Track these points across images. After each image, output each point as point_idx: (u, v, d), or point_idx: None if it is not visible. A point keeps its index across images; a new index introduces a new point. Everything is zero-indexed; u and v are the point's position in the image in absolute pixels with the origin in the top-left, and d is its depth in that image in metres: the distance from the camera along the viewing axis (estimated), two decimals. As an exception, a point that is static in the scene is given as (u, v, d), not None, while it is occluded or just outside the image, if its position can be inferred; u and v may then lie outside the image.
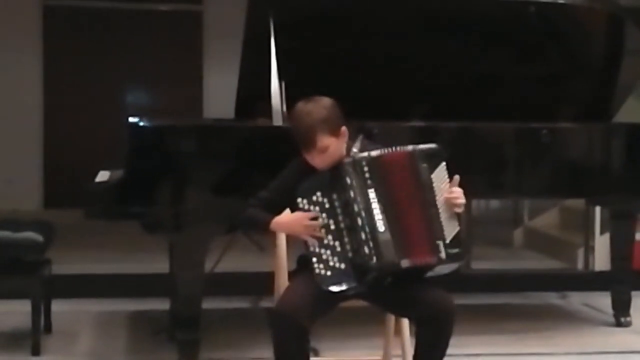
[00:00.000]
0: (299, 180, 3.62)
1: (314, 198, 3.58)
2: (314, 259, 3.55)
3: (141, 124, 5.00)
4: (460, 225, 3.60)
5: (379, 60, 5.38)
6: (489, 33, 5.52)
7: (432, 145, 3.62)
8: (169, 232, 4.78)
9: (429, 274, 3.61)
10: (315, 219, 3.56)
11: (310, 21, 5.20)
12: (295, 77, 4.88)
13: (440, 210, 3.56)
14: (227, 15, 8.47)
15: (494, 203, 9.21)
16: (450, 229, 3.57)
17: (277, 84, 4.82)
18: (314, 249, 3.56)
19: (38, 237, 4.96)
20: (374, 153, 3.60)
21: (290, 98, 4.85)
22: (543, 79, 5.72)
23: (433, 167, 3.58)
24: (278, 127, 4.77)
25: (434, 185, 3.56)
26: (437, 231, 3.55)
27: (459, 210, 3.59)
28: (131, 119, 5.10)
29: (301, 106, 3.63)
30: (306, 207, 3.57)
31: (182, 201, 4.66)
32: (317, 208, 3.57)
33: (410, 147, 3.61)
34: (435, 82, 5.52)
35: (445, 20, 5.40)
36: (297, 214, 3.59)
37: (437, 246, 3.54)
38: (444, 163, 3.60)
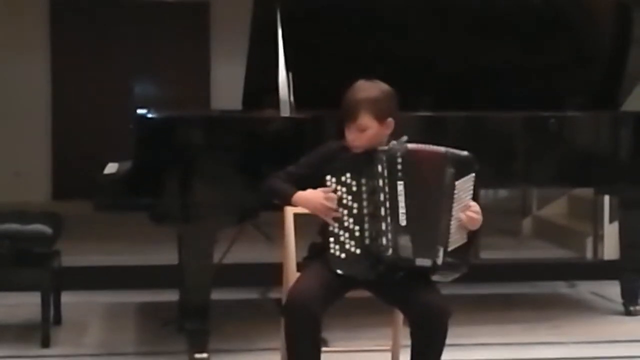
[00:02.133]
0: (330, 160, 3.62)
1: (343, 178, 3.56)
2: (331, 239, 3.54)
3: (149, 115, 5.00)
4: (470, 240, 3.59)
5: (386, 50, 5.38)
6: (496, 22, 5.52)
7: (466, 153, 3.60)
8: (178, 223, 4.78)
9: (434, 278, 3.60)
10: (338, 199, 3.55)
11: (317, 12, 5.20)
12: (303, 68, 4.88)
13: (452, 218, 3.53)
14: (234, 7, 8.47)
15: (503, 192, 9.21)
16: (456, 239, 3.54)
17: (285, 75, 4.82)
18: (334, 229, 3.54)
19: (47, 230, 4.97)
20: (411, 146, 3.58)
21: (298, 89, 4.87)
22: (550, 67, 5.71)
23: (460, 175, 3.55)
24: (285, 118, 4.77)
25: (455, 192, 3.54)
26: (441, 236, 3.52)
27: (473, 227, 3.58)
28: (139, 111, 5.11)
29: (361, 82, 3.65)
30: (333, 186, 3.56)
31: (190, 192, 4.66)
32: (344, 189, 3.55)
33: (443, 149, 3.59)
34: (443, 72, 5.51)
35: (453, 10, 5.40)
36: (320, 190, 3.57)
37: (437, 251, 3.52)
38: (473, 174, 3.57)
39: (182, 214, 4.67)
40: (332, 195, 3.55)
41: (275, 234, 4.66)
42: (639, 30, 5.82)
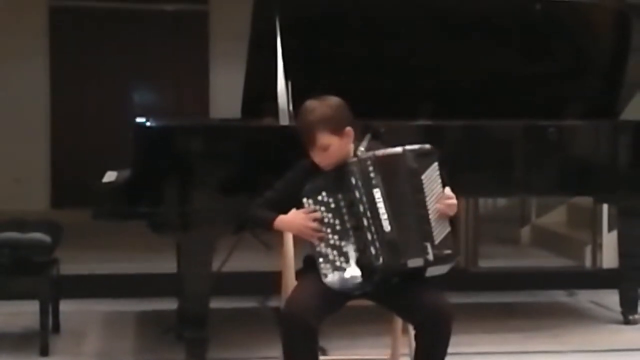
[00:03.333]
0: (304, 180, 3.63)
1: (319, 198, 3.58)
2: (320, 259, 3.56)
3: (148, 124, 5.00)
4: (452, 226, 3.59)
5: (385, 59, 5.38)
6: (496, 31, 5.53)
7: (424, 146, 3.61)
8: (176, 232, 4.78)
9: (429, 273, 3.60)
10: (318, 218, 3.56)
11: (316, 21, 5.20)
12: (302, 76, 4.88)
13: (429, 212, 3.55)
14: (233, 15, 8.46)
15: (501, 201, 9.19)
16: (440, 230, 3.56)
17: (284, 83, 4.82)
18: (320, 249, 3.56)
19: (46, 238, 4.97)
20: (379, 152, 3.60)
21: (297, 98, 4.87)
22: (550, 76, 5.71)
23: (424, 168, 3.57)
24: (284, 127, 4.77)
25: (424, 186, 3.56)
26: (425, 232, 3.54)
27: (451, 213, 3.59)
28: (138, 120, 5.11)
29: (307, 104, 3.67)
30: (311, 207, 3.58)
31: (189, 201, 4.66)
32: (323, 208, 3.57)
33: (400, 148, 3.61)
34: (442, 80, 5.51)
35: (452, 19, 5.41)
36: (300, 212, 3.60)
37: (425, 247, 3.53)
38: (436, 163, 3.59)
39: (181, 222, 4.67)
40: (315, 214, 3.56)
41: (274, 243, 4.65)
42: (637, 39, 5.82)
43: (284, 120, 4.78)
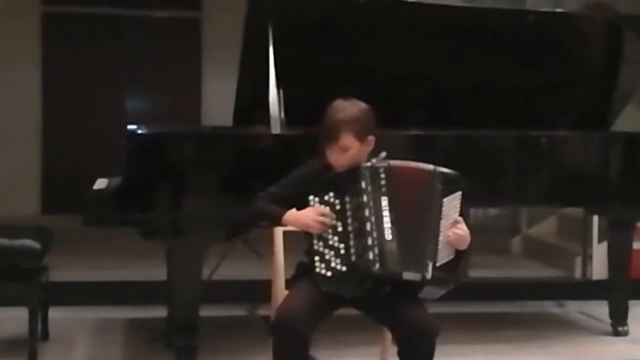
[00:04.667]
0: (313, 179, 3.65)
1: (326, 198, 3.59)
2: (317, 258, 3.56)
3: (139, 131, 4.99)
4: (457, 256, 3.60)
5: (378, 67, 5.39)
6: (488, 42, 5.54)
7: (453, 172, 3.64)
8: (167, 239, 4.77)
9: (421, 295, 3.60)
10: (329, 216, 3.57)
11: (309, 28, 5.20)
12: (294, 84, 4.89)
13: (440, 234, 3.56)
14: (225, 22, 8.46)
15: (492, 211, 9.21)
16: (444, 255, 3.57)
17: (276, 91, 4.83)
18: (318, 248, 3.56)
19: (35, 244, 4.94)
20: (394, 163, 3.62)
21: (288, 105, 4.87)
22: (542, 87, 5.73)
23: (448, 192, 3.59)
24: (276, 135, 4.77)
25: (443, 208, 3.57)
26: (429, 251, 3.55)
27: (459, 247, 3.59)
28: (129, 127, 5.10)
29: (339, 102, 3.69)
30: (317, 206, 3.58)
31: (180, 208, 4.66)
32: (328, 208, 3.58)
33: (431, 166, 3.64)
34: (434, 90, 5.52)
35: (444, 29, 5.41)
36: (311, 209, 3.59)
37: (426, 265, 3.53)
38: (459, 192, 3.62)
39: (172, 230, 4.67)
40: (326, 210, 3.56)
41: (264, 251, 4.65)
42: (629, 50, 5.84)
43: (276, 128, 4.78)
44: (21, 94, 10.28)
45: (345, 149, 3.61)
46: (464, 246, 3.60)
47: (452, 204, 3.60)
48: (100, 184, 5.07)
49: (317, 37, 5.24)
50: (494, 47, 5.56)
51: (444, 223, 3.57)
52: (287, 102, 4.86)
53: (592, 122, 5.86)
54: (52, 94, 10.46)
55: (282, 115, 4.81)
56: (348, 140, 3.61)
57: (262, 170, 4.43)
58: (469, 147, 5.25)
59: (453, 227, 3.58)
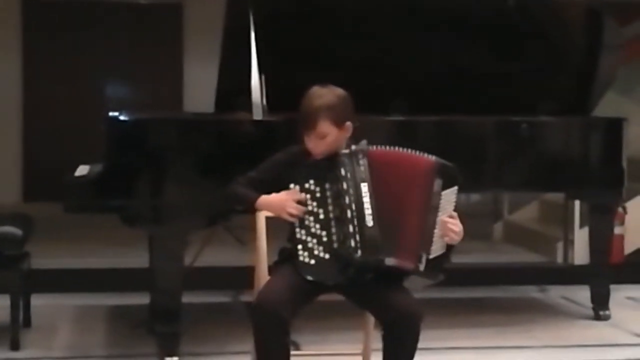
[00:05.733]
0: (290, 166, 3.63)
1: (307, 185, 3.58)
2: (299, 246, 3.55)
3: (121, 117, 4.98)
4: (447, 251, 3.60)
5: (359, 54, 5.38)
6: (468, 28, 5.55)
7: (452, 165, 3.62)
8: (148, 225, 4.77)
9: (405, 283, 3.61)
10: (303, 202, 3.55)
11: (290, 15, 5.20)
12: (275, 70, 4.88)
13: (436, 227, 3.56)
14: (207, 9, 8.46)
15: (474, 196, 9.23)
16: (437, 248, 3.57)
17: (257, 77, 4.82)
18: (301, 236, 3.55)
19: (17, 231, 4.93)
20: (375, 149, 3.59)
21: (270, 92, 4.87)
22: (522, 73, 5.73)
23: (447, 186, 3.58)
24: (258, 121, 4.76)
25: (441, 202, 3.57)
26: (425, 243, 3.54)
27: (451, 241, 3.60)
28: (111, 113, 5.09)
29: (314, 89, 3.65)
30: (292, 190, 3.58)
31: (161, 194, 4.65)
32: (309, 195, 3.57)
33: (433, 157, 3.61)
34: (415, 76, 5.51)
35: (425, 15, 5.42)
36: (285, 193, 3.58)
37: (420, 256, 3.53)
38: (456, 187, 3.61)
39: (153, 216, 4.67)
40: (300, 196, 3.55)
41: (247, 237, 4.65)
42: (609, 37, 5.85)
43: (258, 114, 4.78)
44: (1, 81, 10.23)
45: (323, 136, 3.59)
46: (455, 241, 3.60)
47: (448, 198, 3.59)
48: (82, 170, 5.05)
49: (298, 23, 5.24)
50: (474, 32, 5.56)
51: (439, 216, 3.57)
52: (269, 88, 4.85)
53: (573, 108, 5.87)
54: (32, 81, 10.41)
55: (264, 101, 4.80)
56: (326, 127, 3.58)
57: (244, 157, 4.42)
58: (449, 133, 5.26)
59: (448, 221, 3.58)
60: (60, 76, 10.47)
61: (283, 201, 3.57)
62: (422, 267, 3.53)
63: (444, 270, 3.61)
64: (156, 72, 10.61)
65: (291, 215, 3.55)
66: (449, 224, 3.57)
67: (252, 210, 3.77)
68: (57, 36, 10.43)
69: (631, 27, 8.99)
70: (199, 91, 7.41)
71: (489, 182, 5.43)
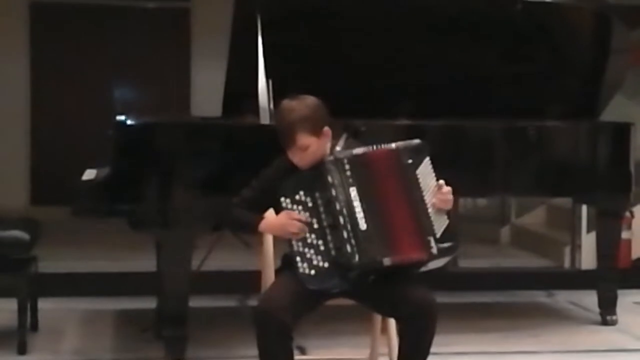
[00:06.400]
0: (282, 178, 3.63)
1: (297, 197, 3.58)
2: (298, 258, 3.55)
3: (128, 121, 4.99)
4: (449, 218, 3.60)
5: (367, 58, 5.38)
6: (476, 31, 5.54)
7: (416, 141, 3.60)
8: (156, 229, 4.77)
9: (422, 269, 3.61)
10: (303, 220, 3.56)
11: (298, 18, 5.20)
12: (283, 74, 4.88)
13: (428, 206, 3.54)
14: (214, 12, 8.45)
15: (481, 201, 9.22)
16: (440, 224, 3.56)
17: (265, 81, 4.82)
18: (298, 248, 3.56)
19: (24, 235, 4.94)
20: (356, 151, 3.59)
21: (278, 95, 4.86)
22: (530, 76, 5.72)
23: (418, 163, 3.56)
24: (265, 125, 4.76)
25: (420, 181, 3.55)
26: (427, 227, 3.53)
27: (448, 207, 3.58)
28: (118, 117, 5.09)
29: (285, 103, 3.65)
30: (289, 206, 3.58)
31: (169, 199, 4.65)
32: (300, 207, 3.57)
33: (393, 145, 3.60)
34: (422, 80, 5.51)
35: (433, 19, 5.41)
36: (284, 215, 3.59)
37: (428, 242, 3.52)
38: (428, 158, 3.58)
39: (160, 220, 4.66)
40: (299, 216, 3.56)
41: (253, 242, 4.65)
42: (618, 41, 5.84)
43: (265, 118, 4.78)
44: (9, 85, 10.24)
45: (304, 148, 3.59)
46: (450, 205, 3.58)
47: (425, 172, 3.57)
48: (89, 174, 5.06)
49: (305, 26, 5.24)
50: (482, 36, 5.56)
51: (426, 194, 3.54)
52: (276, 92, 4.85)
53: (580, 112, 5.87)
54: (40, 84, 10.42)
55: (271, 105, 4.80)
56: (305, 139, 3.57)
57: (250, 161, 4.41)
58: (457, 137, 5.26)
59: (436, 193, 3.56)
60: (68, 80, 10.48)
61: (283, 222, 3.58)
62: (434, 250, 3.52)
63: (456, 239, 3.58)
64: (164, 76, 10.61)
65: (294, 233, 3.56)
66: (438, 196, 3.55)
67: (255, 234, 3.80)
68: (65, 40, 10.44)
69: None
70: (207, 95, 7.43)
71: (497, 187, 5.42)
